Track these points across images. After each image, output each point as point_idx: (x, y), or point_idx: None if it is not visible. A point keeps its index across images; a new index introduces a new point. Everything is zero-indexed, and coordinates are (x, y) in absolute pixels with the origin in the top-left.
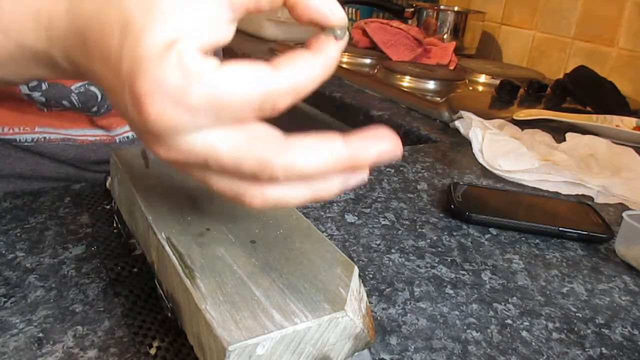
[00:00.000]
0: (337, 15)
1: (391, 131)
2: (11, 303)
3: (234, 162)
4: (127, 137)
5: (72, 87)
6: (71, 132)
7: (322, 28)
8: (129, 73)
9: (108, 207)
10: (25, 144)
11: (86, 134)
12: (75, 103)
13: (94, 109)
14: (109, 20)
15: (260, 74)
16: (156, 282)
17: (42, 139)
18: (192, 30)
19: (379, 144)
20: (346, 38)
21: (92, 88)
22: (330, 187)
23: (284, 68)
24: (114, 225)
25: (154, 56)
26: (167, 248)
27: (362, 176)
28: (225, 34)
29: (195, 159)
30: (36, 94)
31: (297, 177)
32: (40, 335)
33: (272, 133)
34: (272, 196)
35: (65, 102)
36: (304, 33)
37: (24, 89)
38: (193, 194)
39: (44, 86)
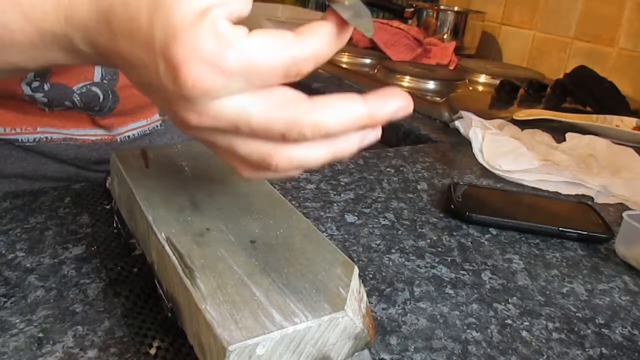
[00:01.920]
0: None
1: (401, 90)
2: (11, 303)
3: (264, 123)
4: (128, 136)
5: (74, 88)
6: (72, 132)
7: (330, 2)
8: (164, 43)
9: (108, 207)
10: (27, 144)
11: (87, 133)
12: (78, 103)
13: (96, 109)
14: (135, 0)
15: (287, 41)
16: (156, 282)
17: (44, 139)
18: (221, 0)
19: (394, 102)
20: (364, 25)
21: (94, 88)
22: (350, 145)
23: (307, 36)
24: (114, 225)
25: (189, 24)
26: (167, 248)
27: (377, 133)
28: (246, 6)
29: (226, 122)
30: (38, 95)
31: (323, 135)
32: (40, 335)
33: (298, 95)
34: (298, 156)
35: (67, 103)
36: None
37: (27, 90)
38: (193, 194)
39: (46, 87)
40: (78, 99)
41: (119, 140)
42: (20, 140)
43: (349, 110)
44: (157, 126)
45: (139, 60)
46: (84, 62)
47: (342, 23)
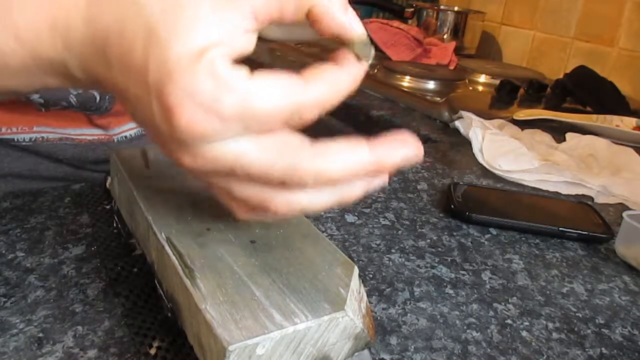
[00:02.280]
0: (358, 31)
1: (413, 136)
2: (11, 303)
3: (262, 170)
4: (125, 136)
5: (71, 89)
6: (69, 132)
7: (342, 42)
8: (157, 82)
9: (108, 207)
10: (23, 143)
11: (84, 133)
12: (74, 103)
13: (93, 109)
14: (131, 30)
15: (290, 86)
16: (156, 282)
17: (40, 139)
18: (221, 39)
19: (402, 150)
20: (371, 55)
21: (91, 89)
22: (354, 191)
23: (312, 81)
24: (114, 225)
25: (185, 65)
26: (167, 248)
27: (384, 179)
28: (249, 44)
29: (222, 167)
30: (35, 96)
31: (325, 182)
32: (40, 335)
33: (300, 140)
34: (298, 202)
35: (63, 103)
36: (304, 34)
37: None
38: (193, 193)
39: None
40: (74, 99)
41: (115, 140)
42: (16, 140)
43: (354, 158)
44: None
45: (133, 95)
46: (81, 87)
47: (353, 65)
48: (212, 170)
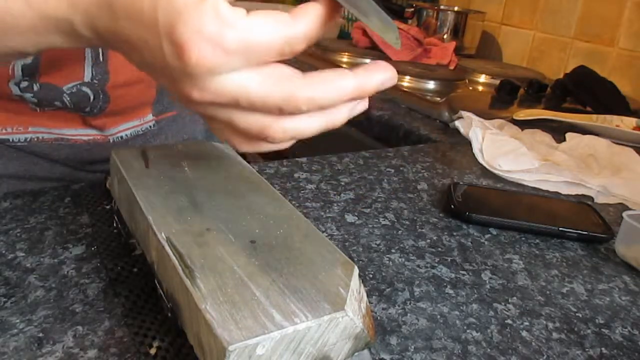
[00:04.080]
0: None
1: (387, 63)
2: (11, 303)
3: (262, 98)
4: (121, 137)
5: (64, 88)
6: (64, 132)
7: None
8: (167, 24)
9: (108, 207)
10: (19, 144)
11: (79, 133)
12: (68, 104)
13: (87, 109)
14: None
15: (282, 22)
16: (156, 282)
17: (35, 139)
18: None
19: (380, 74)
20: (392, 37)
21: (84, 88)
22: (341, 115)
23: (299, 17)
24: (114, 225)
25: (192, 7)
26: (167, 248)
27: (365, 104)
28: None
29: (226, 97)
30: (28, 95)
31: (317, 107)
32: (40, 335)
33: (293, 71)
34: (293, 127)
35: (57, 103)
36: None
37: (16, 90)
38: (193, 194)
39: (35, 87)
40: (68, 99)
41: (111, 140)
42: (11, 140)
43: (341, 84)
44: (150, 126)
45: (142, 42)
46: (84, 45)
47: (332, 4)
48: (218, 102)
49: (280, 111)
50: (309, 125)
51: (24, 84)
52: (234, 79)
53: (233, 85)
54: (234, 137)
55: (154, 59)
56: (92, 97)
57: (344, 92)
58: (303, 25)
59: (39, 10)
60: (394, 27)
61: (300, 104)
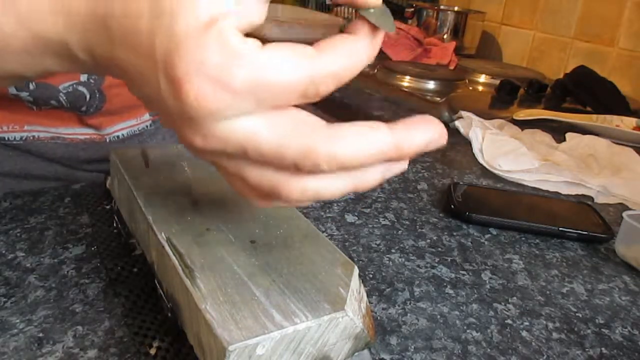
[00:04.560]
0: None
1: (435, 118)
2: (11, 303)
3: (275, 150)
4: (117, 136)
5: (60, 87)
6: (60, 131)
7: (357, 8)
8: (165, 54)
9: (108, 207)
10: (14, 142)
11: (76, 132)
12: (64, 103)
13: (83, 108)
14: (135, 6)
15: (305, 57)
16: (156, 282)
17: (31, 138)
18: (231, 9)
19: (425, 133)
20: (392, 25)
21: (80, 88)
22: (372, 177)
23: (328, 51)
24: (114, 225)
25: (194, 35)
26: (167, 248)
27: (403, 166)
28: (260, 15)
29: (233, 147)
30: (24, 94)
31: (340, 167)
32: (40, 335)
33: (315, 120)
34: (312, 187)
35: (53, 102)
36: (304, 33)
37: (11, 89)
38: (193, 194)
39: (31, 86)
40: (64, 98)
41: (107, 140)
42: (7, 139)
43: (372, 141)
44: (147, 126)
45: (139, 73)
46: (81, 70)
47: (369, 34)
48: (224, 151)
49: (296, 168)
50: (331, 186)
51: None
52: (242, 125)
53: (241, 132)
54: (246, 192)
55: (152, 94)
56: (88, 97)
57: (375, 152)
58: (332, 61)
59: (32, 29)
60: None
61: (320, 162)
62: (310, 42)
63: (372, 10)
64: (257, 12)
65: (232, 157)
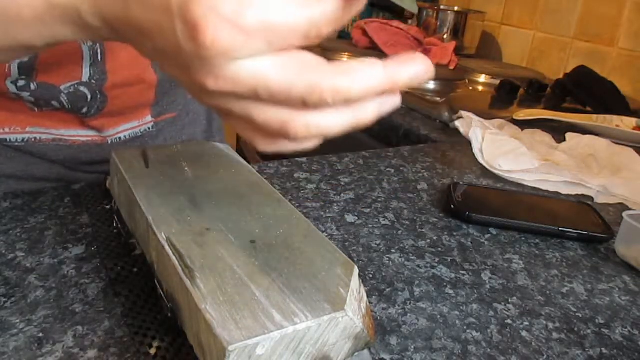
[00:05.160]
0: None
1: (423, 56)
2: (11, 303)
3: (283, 88)
4: (119, 138)
5: (62, 87)
6: (62, 133)
7: None
8: (182, 2)
9: (108, 207)
10: (16, 144)
11: (77, 134)
12: (65, 103)
13: (84, 109)
14: None
15: (307, 2)
16: (156, 282)
17: (33, 139)
18: None
19: (414, 66)
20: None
21: (82, 88)
22: (369, 112)
23: None
24: (114, 225)
25: None
26: (167, 248)
27: (396, 100)
28: None
29: (244, 86)
30: (25, 94)
31: (343, 100)
32: (40, 335)
33: (318, 59)
34: (318, 123)
35: (54, 103)
36: None
37: (12, 88)
38: (193, 194)
39: (32, 86)
40: (65, 98)
41: (109, 141)
42: (8, 140)
43: (370, 75)
44: (149, 128)
45: (155, 24)
46: (92, 37)
47: None
48: (235, 92)
49: (304, 103)
50: (334, 120)
51: (21, 82)
52: (253, 66)
53: (252, 72)
54: (252, 135)
55: (166, 44)
56: (89, 97)
57: (373, 84)
58: (330, 4)
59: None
60: None
61: (326, 95)
62: None
63: None
64: None
65: (241, 98)
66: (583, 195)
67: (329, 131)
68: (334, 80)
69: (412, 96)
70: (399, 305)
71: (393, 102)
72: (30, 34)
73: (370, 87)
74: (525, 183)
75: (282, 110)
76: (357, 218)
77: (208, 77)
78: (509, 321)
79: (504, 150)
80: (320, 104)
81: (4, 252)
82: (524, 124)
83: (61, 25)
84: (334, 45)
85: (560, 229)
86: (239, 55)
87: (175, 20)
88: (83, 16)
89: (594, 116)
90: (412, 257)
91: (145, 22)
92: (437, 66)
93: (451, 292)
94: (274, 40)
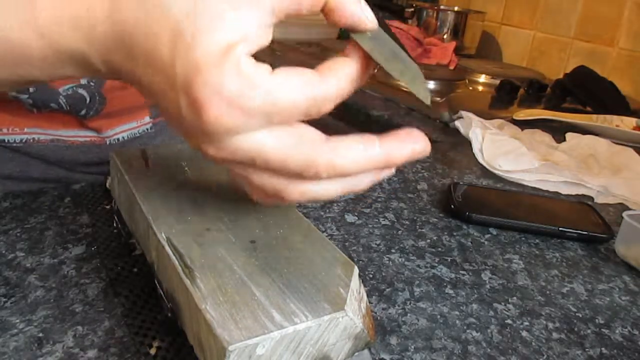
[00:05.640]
0: (370, 20)
1: (420, 132)
2: (11, 303)
3: (280, 161)
4: (118, 139)
5: (60, 90)
6: (61, 133)
7: (353, 31)
8: (185, 79)
9: (108, 207)
10: (14, 144)
11: (76, 134)
12: (64, 105)
13: (83, 111)
14: (156, 31)
15: (308, 81)
16: (156, 282)
17: (31, 140)
18: (245, 35)
19: (410, 145)
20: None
21: (81, 90)
22: (364, 182)
23: (328, 75)
24: (114, 225)
25: (213, 62)
26: (167, 248)
27: (391, 171)
28: (268, 37)
29: (243, 157)
30: (23, 97)
31: (338, 175)
32: (40, 335)
33: (315, 134)
34: (311, 192)
35: (53, 105)
36: (304, 33)
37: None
38: (193, 194)
39: (31, 89)
40: (64, 100)
41: (108, 142)
42: (7, 141)
43: (365, 154)
44: (147, 129)
45: (159, 90)
46: (100, 77)
47: (364, 58)
48: (234, 160)
49: (299, 176)
50: (328, 190)
51: None
52: (252, 140)
53: (251, 145)
54: (249, 190)
55: (169, 109)
56: (88, 99)
57: (368, 162)
58: (332, 84)
59: (52, 41)
60: (425, 85)
61: (321, 171)
62: (309, 42)
63: (369, 34)
64: (265, 36)
65: (240, 164)
66: (583, 195)
67: (323, 198)
68: (329, 157)
69: (412, 96)
70: (399, 305)
71: (388, 173)
72: (35, 71)
73: (365, 165)
74: (525, 183)
75: (278, 179)
76: (357, 218)
77: (209, 147)
78: (509, 321)
79: (504, 150)
80: (315, 178)
81: (4, 252)
82: (524, 124)
83: (68, 66)
84: (334, 45)
85: (560, 229)
86: (239, 132)
87: (179, 94)
88: (91, 61)
89: (594, 116)
90: (412, 257)
91: (150, 84)
92: (437, 66)
93: (451, 292)
94: (274, 118)
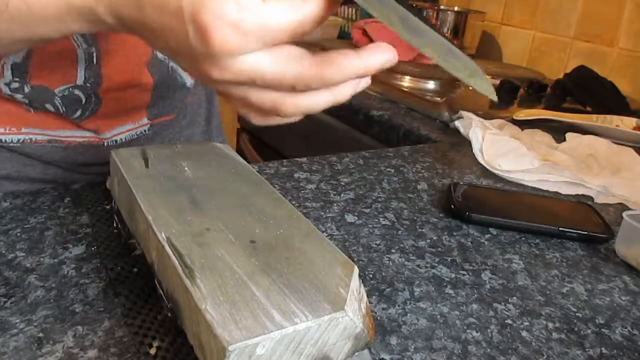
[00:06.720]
0: None
1: (388, 45)
2: (11, 303)
3: (276, 77)
4: (115, 140)
5: (56, 91)
6: (58, 133)
7: None
8: (193, 11)
9: (108, 207)
10: (11, 144)
11: (74, 135)
12: (59, 106)
13: (78, 112)
14: None
15: (293, 6)
16: (156, 282)
17: (29, 140)
18: None
19: (382, 55)
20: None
21: (77, 91)
22: (346, 92)
23: (309, 1)
24: (114, 225)
25: None
26: (167, 248)
27: (367, 81)
28: None
29: (243, 77)
30: (18, 96)
31: (325, 85)
32: (40, 335)
33: (303, 52)
34: (304, 103)
35: (48, 106)
36: None
37: (5, 90)
38: (193, 194)
39: (26, 89)
40: (60, 102)
41: (105, 144)
42: (4, 141)
43: (347, 64)
44: (145, 130)
45: (168, 28)
46: (107, 31)
47: None
48: (235, 81)
49: (293, 89)
50: (318, 100)
51: (15, 84)
52: (251, 60)
53: (250, 65)
54: (248, 112)
55: (178, 44)
56: (84, 100)
57: (350, 72)
58: (312, 7)
59: (66, 1)
60: (486, 78)
61: (311, 82)
62: (309, 42)
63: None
64: None
65: (240, 84)
66: (583, 195)
67: (314, 109)
68: (317, 70)
69: (412, 96)
70: (399, 305)
71: (365, 83)
72: (49, 28)
73: (348, 75)
74: (525, 183)
75: (275, 93)
76: (357, 218)
77: (214, 69)
78: (509, 321)
79: (504, 150)
80: (306, 89)
81: (4, 252)
82: (524, 124)
83: (78, 22)
84: (334, 45)
85: (560, 229)
86: (240, 52)
87: (187, 26)
88: (100, 16)
89: (594, 116)
90: (412, 257)
91: (159, 25)
92: (437, 66)
93: (451, 292)
94: (267, 39)
